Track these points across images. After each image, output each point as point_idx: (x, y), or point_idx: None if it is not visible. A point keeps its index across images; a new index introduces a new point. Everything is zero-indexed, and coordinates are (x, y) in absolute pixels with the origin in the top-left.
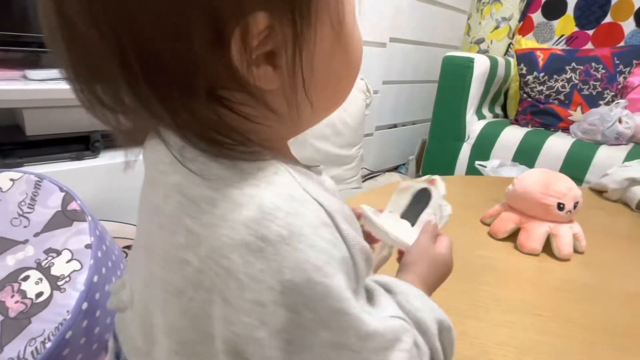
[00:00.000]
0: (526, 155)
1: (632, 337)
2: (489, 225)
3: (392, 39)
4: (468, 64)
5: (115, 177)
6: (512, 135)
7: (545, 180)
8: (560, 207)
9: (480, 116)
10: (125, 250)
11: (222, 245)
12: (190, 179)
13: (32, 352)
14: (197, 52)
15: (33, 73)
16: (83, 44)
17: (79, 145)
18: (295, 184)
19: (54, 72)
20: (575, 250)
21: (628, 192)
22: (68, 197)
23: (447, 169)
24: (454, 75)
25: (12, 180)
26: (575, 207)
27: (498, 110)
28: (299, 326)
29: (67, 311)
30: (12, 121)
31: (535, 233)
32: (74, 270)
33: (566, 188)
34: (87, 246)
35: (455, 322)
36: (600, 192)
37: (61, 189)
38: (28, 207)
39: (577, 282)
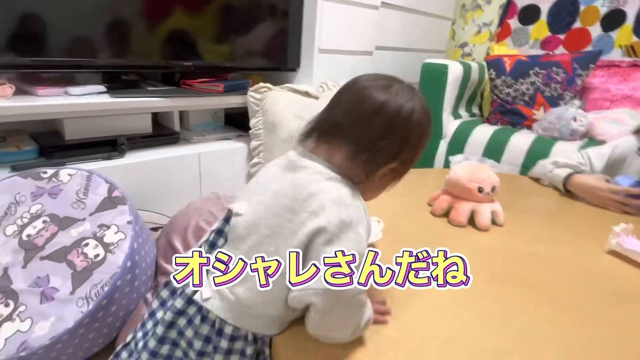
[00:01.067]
0: (494, 151)
1: (534, 285)
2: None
3: (378, 47)
4: (443, 70)
5: (138, 174)
6: (483, 133)
7: (470, 170)
8: (480, 190)
9: (457, 116)
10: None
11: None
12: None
13: (95, 293)
14: (375, 164)
15: (73, 89)
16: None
17: (108, 147)
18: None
19: (89, 88)
20: (495, 223)
21: (553, 175)
22: (112, 187)
23: (427, 163)
24: (431, 80)
25: (69, 175)
26: (493, 190)
27: (475, 110)
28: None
29: (117, 266)
30: (51, 128)
31: (462, 210)
32: (120, 239)
33: (485, 176)
34: (129, 222)
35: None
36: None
37: (106, 181)
38: (83, 195)
39: (493, 247)
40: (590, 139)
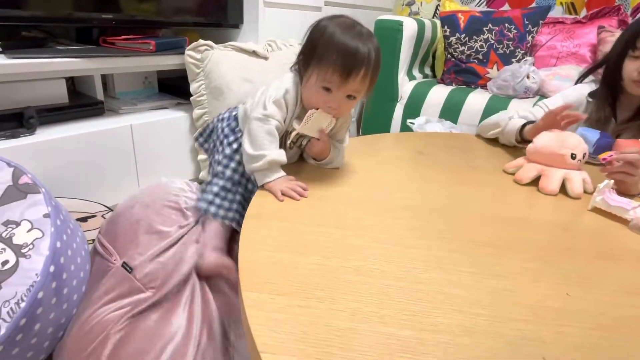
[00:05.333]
0: (451, 112)
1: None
2: (512, 174)
3: (327, 3)
4: (397, 27)
5: (55, 154)
6: (439, 94)
7: (560, 137)
8: (573, 156)
9: (411, 77)
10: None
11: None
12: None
13: (7, 313)
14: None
15: None
16: None
17: (12, 123)
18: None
19: None
20: (585, 192)
21: (505, 134)
22: (18, 172)
23: (383, 127)
24: (385, 38)
25: None
26: (583, 157)
27: (427, 71)
28: None
29: (36, 274)
30: None
31: (554, 178)
32: (37, 238)
33: (577, 142)
34: (46, 215)
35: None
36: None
37: (9, 164)
38: None
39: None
40: (542, 96)
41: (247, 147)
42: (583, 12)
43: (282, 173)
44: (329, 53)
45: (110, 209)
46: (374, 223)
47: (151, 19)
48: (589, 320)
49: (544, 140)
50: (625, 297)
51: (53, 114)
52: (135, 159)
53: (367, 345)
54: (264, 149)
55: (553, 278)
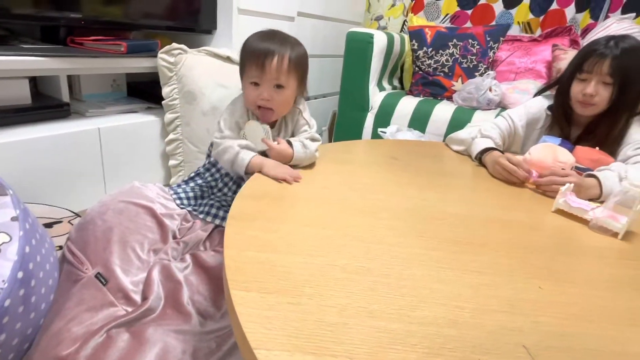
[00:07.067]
0: (419, 121)
1: (483, 245)
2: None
3: (299, 13)
4: (369, 39)
5: (17, 157)
6: (407, 105)
7: (553, 152)
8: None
9: (381, 88)
10: None
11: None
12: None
13: None
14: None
15: None
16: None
17: None
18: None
19: None
20: None
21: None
22: None
23: (355, 136)
24: (357, 50)
25: None
26: (571, 169)
27: (396, 83)
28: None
29: (3, 280)
30: None
31: None
32: (3, 242)
33: (566, 158)
34: (14, 218)
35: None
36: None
37: None
38: None
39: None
40: (503, 108)
41: (218, 156)
42: (538, 32)
43: (254, 152)
44: (246, 54)
45: (77, 215)
46: (355, 223)
47: (122, 21)
48: (561, 310)
49: (539, 155)
50: (590, 289)
51: (14, 115)
52: (103, 163)
53: (358, 339)
54: (232, 143)
55: (525, 273)
